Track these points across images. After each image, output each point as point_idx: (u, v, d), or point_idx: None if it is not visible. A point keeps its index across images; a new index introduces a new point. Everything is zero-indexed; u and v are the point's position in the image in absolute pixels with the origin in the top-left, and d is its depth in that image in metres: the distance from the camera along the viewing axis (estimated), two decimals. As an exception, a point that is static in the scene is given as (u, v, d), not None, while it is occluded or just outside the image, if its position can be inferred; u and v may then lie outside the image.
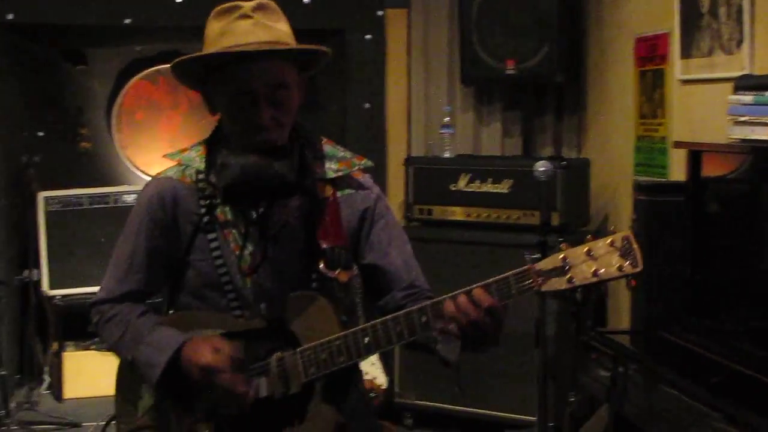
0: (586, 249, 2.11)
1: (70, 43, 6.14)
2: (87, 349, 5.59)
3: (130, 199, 5.74)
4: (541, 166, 3.86)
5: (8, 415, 5.05)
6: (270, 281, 2.36)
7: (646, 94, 4.67)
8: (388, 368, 5.12)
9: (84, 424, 5.18)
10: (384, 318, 2.23)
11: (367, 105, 5.55)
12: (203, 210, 2.36)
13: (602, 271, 2.08)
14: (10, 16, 5.29)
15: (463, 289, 2.21)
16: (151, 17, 5.43)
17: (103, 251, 5.64)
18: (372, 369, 5.14)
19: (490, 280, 2.19)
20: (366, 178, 2.52)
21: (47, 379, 5.69)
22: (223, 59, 2.29)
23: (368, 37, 5.51)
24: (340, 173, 2.43)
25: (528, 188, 4.75)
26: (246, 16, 2.30)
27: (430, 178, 5.13)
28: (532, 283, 2.13)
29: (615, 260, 2.08)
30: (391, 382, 5.10)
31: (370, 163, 2.51)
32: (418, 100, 5.53)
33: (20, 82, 5.77)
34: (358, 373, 2.52)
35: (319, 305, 2.29)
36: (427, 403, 5.02)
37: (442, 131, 5.24)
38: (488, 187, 4.96)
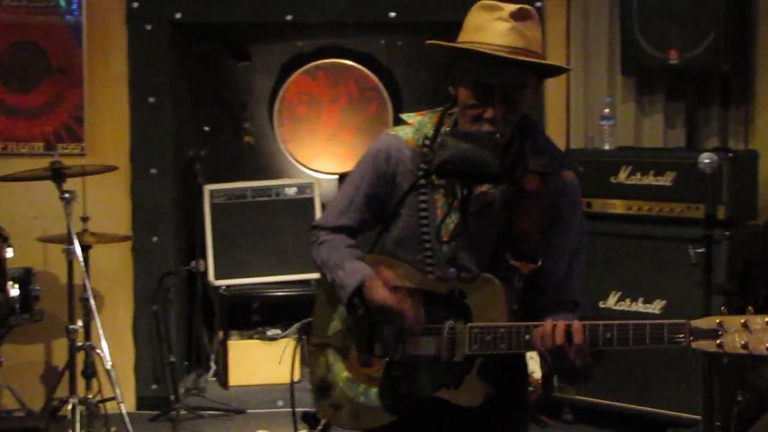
0: (743, 321, 2.13)
1: (234, 40, 6.32)
2: (250, 338, 5.75)
3: (291, 191, 5.87)
4: (706, 158, 3.76)
5: (177, 399, 5.24)
6: (463, 253, 2.51)
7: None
8: (546, 363, 5.07)
9: (249, 411, 5.33)
10: (546, 323, 2.35)
11: (525, 97, 5.50)
12: (421, 173, 2.54)
13: (752, 346, 2.12)
14: (178, 15, 5.49)
15: (589, 322, 2.32)
16: (312, 14, 5.53)
17: (265, 243, 5.80)
18: (530, 363, 5.10)
19: (646, 322, 2.24)
20: (573, 180, 2.56)
21: (213, 366, 5.88)
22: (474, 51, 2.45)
23: (527, 28, 5.46)
24: (549, 170, 2.51)
25: (692, 181, 4.62)
26: (504, 20, 2.46)
27: (589, 170, 5.04)
28: (683, 338, 2.20)
29: (767, 339, 2.11)
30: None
31: (580, 168, 2.60)
32: (577, 92, 5.46)
33: (187, 78, 5.97)
34: (522, 368, 2.68)
35: (496, 289, 2.42)
36: (587, 398, 4.96)
37: (602, 123, 5.16)
38: (650, 180, 4.86)
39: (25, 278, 4.94)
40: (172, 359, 5.34)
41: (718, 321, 2.15)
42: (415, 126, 2.62)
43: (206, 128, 6.27)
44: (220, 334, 5.80)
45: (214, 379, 5.84)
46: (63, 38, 5.43)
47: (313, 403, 2.71)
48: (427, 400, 2.47)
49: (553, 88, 5.48)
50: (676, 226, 4.76)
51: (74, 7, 5.41)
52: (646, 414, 4.79)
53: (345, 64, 6.16)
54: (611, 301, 4.91)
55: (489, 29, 2.46)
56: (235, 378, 5.70)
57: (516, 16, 2.46)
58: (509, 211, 2.49)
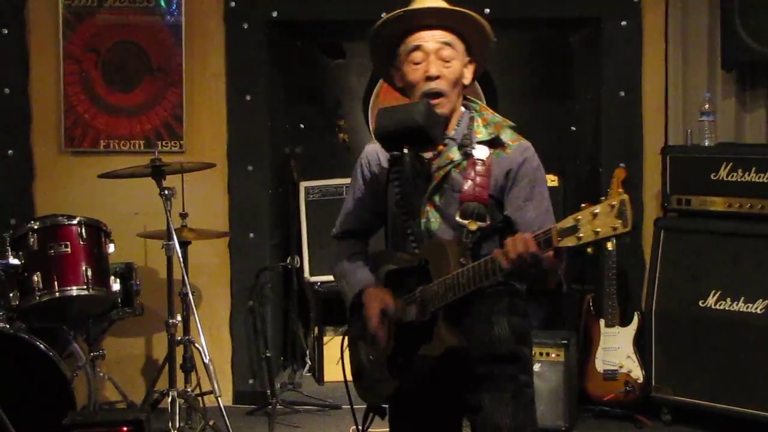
0: (594, 211, 2.39)
1: (329, 38, 6.36)
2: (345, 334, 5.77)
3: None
4: (810, 154, 3.66)
5: (273, 394, 5.30)
6: (437, 224, 2.88)
7: None
8: (644, 362, 5.00)
9: (344, 406, 5.35)
10: (477, 262, 2.65)
11: (622, 93, 5.43)
12: (389, 166, 2.86)
13: (602, 231, 2.37)
14: (274, 14, 5.55)
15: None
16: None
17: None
18: (627, 362, 5.05)
19: (527, 233, 2.56)
20: (521, 143, 2.90)
21: (308, 362, 5.93)
22: (405, 29, 2.88)
23: (624, 23, 5.39)
24: (492, 135, 2.87)
25: (796, 177, 4.55)
26: None
27: (688, 167, 4.97)
28: (551, 239, 2.48)
29: (611, 221, 2.36)
30: (647, 376, 4.99)
31: (511, 124, 2.92)
32: (676, 88, 5.36)
33: (283, 76, 6.04)
34: (495, 307, 2.91)
35: (442, 248, 2.78)
36: (685, 398, 4.88)
37: (702, 119, 5.07)
38: (752, 177, 4.76)
39: (126, 273, 5.06)
40: (268, 354, 5.40)
41: (576, 217, 2.42)
42: None
43: (302, 126, 6.33)
44: (315, 330, 5.84)
45: (309, 374, 5.89)
46: (163, 38, 5.54)
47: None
48: (418, 360, 2.78)
49: (651, 83, 5.41)
50: (779, 223, 4.65)
51: (174, 7, 5.52)
52: (747, 416, 4.68)
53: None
54: (711, 301, 4.82)
55: (416, 3, 2.90)
56: (331, 374, 5.74)
57: None
58: (463, 179, 2.84)
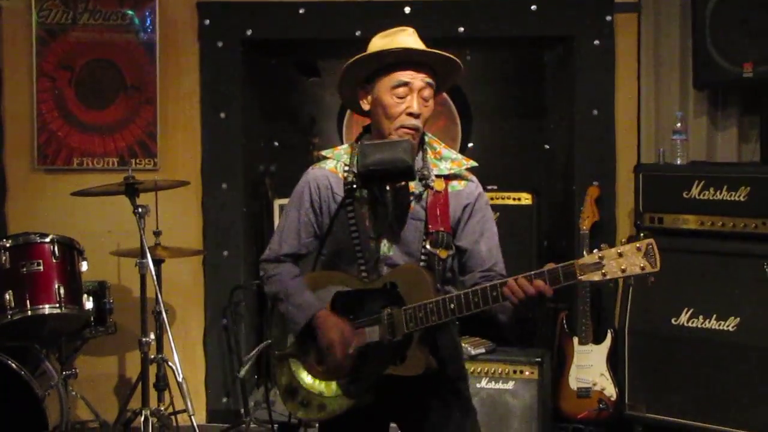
0: (618, 251, 2.62)
1: (303, 57, 6.37)
2: (319, 352, 5.76)
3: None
4: (781, 173, 3.69)
5: (247, 413, 5.28)
6: (392, 250, 3.01)
7: None
8: (617, 380, 5.02)
9: (318, 425, 5.33)
10: (466, 290, 2.83)
11: (595, 112, 5.47)
12: (345, 192, 3.01)
13: (629, 269, 2.60)
14: (249, 32, 5.56)
15: (523, 274, 2.74)
16: (381, 29, 5.52)
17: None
18: (601, 380, 5.06)
19: (545, 269, 2.71)
20: (472, 177, 3.12)
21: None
22: (389, 61, 2.97)
23: (597, 42, 5.43)
24: (452, 171, 3.06)
25: (767, 196, 4.57)
26: (398, 34, 3.02)
27: (661, 185, 4.99)
28: (575, 273, 2.66)
29: (639, 261, 2.59)
30: (621, 394, 5.00)
31: (475, 164, 3.11)
32: (648, 106, 5.40)
33: (258, 94, 6.04)
34: (451, 330, 3.13)
35: (419, 275, 2.93)
36: (658, 416, 4.89)
37: (674, 137, 5.10)
38: (723, 195, 4.79)
39: (99, 291, 5.03)
40: (243, 372, 5.38)
41: (599, 255, 2.63)
42: (334, 158, 3.15)
43: (276, 144, 6.33)
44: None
45: (283, 392, 5.86)
46: (137, 56, 5.53)
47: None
48: (378, 379, 2.93)
49: (624, 102, 5.45)
50: (750, 242, 4.68)
51: (148, 25, 5.51)
52: (719, 433, 4.71)
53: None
54: (683, 318, 4.84)
55: (396, 41, 3.00)
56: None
57: (405, 32, 3.03)
58: (423, 212, 3.00)
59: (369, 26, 5.53)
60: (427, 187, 3.02)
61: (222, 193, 5.60)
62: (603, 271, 2.61)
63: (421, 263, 2.98)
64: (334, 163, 3.15)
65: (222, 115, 5.58)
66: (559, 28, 5.51)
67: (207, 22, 5.54)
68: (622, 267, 2.59)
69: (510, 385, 4.86)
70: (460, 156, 3.13)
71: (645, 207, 5.03)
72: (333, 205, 3.07)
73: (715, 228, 4.81)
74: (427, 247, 2.98)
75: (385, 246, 3.02)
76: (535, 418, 4.95)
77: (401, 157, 2.86)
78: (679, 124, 5.10)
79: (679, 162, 5.05)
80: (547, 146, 6.04)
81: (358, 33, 5.51)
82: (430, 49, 2.98)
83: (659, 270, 2.57)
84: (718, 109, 5.32)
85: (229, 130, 5.60)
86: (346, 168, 3.06)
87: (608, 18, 5.42)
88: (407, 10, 5.46)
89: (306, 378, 3.09)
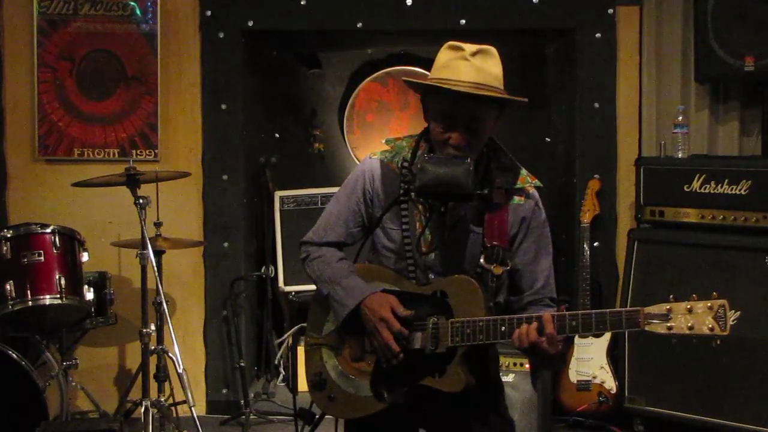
0: (688, 306, 2.53)
1: (305, 48, 6.36)
2: (319, 344, 5.76)
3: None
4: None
5: (247, 404, 5.28)
6: (441, 261, 2.91)
7: None
8: (617, 373, 5.03)
9: (318, 416, 5.34)
10: (521, 315, 2.74)
11: (596, 105, 5.46)
12: (401, 191, 2.93)
13: (696, 327, 2.52)
14: (250, 23, 5.55)
15: (582, 312, 2.66)
16: (382, 21, 5.55)
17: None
18: (601, 373, 5.07)
19: (606, 311, 2.62)
20: (534, 193, 3.00)
21: (282, 372, 5.91)
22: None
23: (598, 35, 5.42)
24: (511, 185, 2.94)
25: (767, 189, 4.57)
26: (465, 59, 2.82)
27: (662, 178, 4.99)
28: (639, 323, 2.57)
29: (709, 321, 2.51)
30: (621, 387, 5.01)
31: (539, 184, 3.01)
32: (650, 99, 5.40)
33: (259, 85, 6.03)
34: (496, 354, 3.09)
35: (474, 288, 2.80)
36: (658, 409, 4.90)
37: (675, 131, 5.10)
38: (724, 188, 4.79)
39: (100, 282, 5.04)
40: (242, 364, 5.39)
41: (667, 307, 2.54)
42: (394, 150, 3.03)
43: (277, 135, 6.33)
44: (290, 339, 5.83)
45: (283, 384, 5.87)
46: (138, 47, 5.52)
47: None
48: (413, 388, 2.83)
49: (625, 95, 5.44)
50: (751, 235, 4.69)
51: (149, 16, 5.51)
52: (719, 427, 4.71)
53: (415, 71, 6.17)
54: (683, 311, 4.84)
55: (452, 67, 2.82)
56: (304, 384, 5.68)
57: (476, 54, 2.83)
58: (481, 223, 2.89)
59: (370, 18, 5.55)
60: (484, 199, 2.88)
61: (223, 184, 5.59)
62: (669, 324, 2.53)
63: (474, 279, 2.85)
64: (392, 156, 3.02)
65: (223, 106, 5.57)
66: (560, 20, 5.50)
67: (208, 12, 5.53)
68: (689, 324, 2.51)
69: (510, 377, 4.86)
70: (525, 172, 3.01)
71: (646, 200, 5.03)
72: (386, 201, 2.97)
73: (716, 221, 4.81)
74: (482, 262, 2.86)
75: (435, 253, 2.92)
76: (535, 410, 4.95)
77: (460, 182, 2.75)
78: (680, 118, 5.09)
79: (680, 155, 5.05)
80: (548, 139, 6.04)
81: (359, 24, 5.50)
82: (480, 93, 2.79)
83: (726, 334, 2.51)
84: (720, 102, 5.31)
85: (230, 122, 5.59)
86: (405, 163, 2.96)
87: (610, 11, 5.41)
88: (409, 2, 5.44)
89: (338, 370, 3.01)
